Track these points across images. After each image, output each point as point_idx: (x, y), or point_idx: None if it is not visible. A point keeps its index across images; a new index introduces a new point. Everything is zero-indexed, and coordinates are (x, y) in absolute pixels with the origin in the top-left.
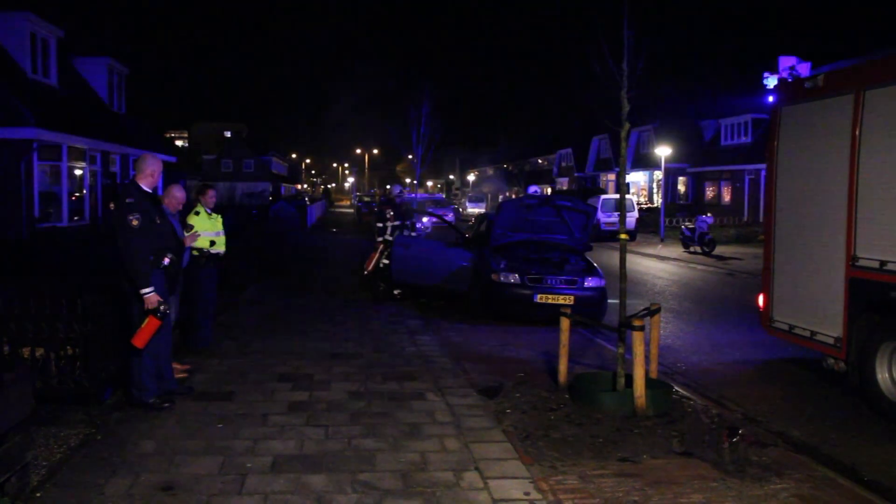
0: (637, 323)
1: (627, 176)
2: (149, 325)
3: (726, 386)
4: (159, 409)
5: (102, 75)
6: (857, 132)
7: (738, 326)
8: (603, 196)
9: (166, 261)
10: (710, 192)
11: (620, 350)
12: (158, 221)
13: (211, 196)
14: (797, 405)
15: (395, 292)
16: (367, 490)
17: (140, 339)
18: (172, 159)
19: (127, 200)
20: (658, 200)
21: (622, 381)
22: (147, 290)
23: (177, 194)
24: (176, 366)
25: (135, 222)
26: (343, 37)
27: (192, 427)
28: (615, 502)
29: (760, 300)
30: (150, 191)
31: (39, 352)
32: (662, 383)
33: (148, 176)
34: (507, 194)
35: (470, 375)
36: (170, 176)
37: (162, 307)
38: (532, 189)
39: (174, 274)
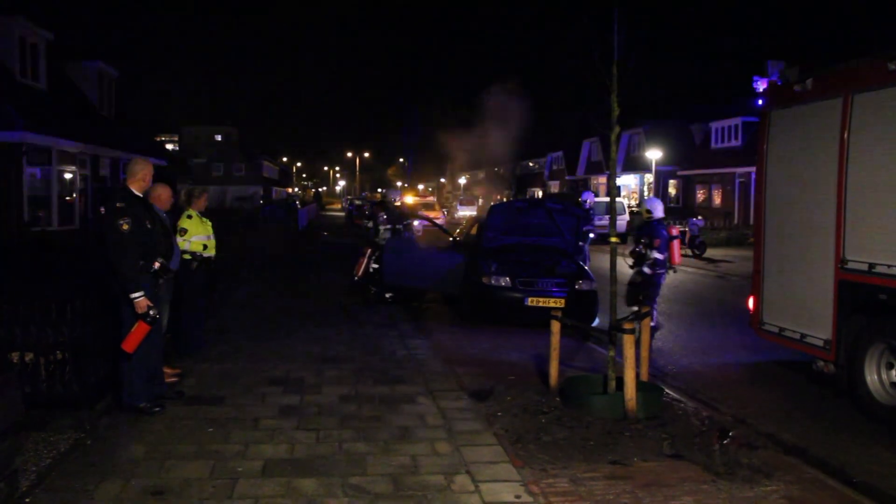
0: (627, 326)
1: (618, 179)
2: (139, 330)
3: (717, 388)
4: (150, 413)
5: (92, 79)
6: (846, 136)
7: (729, 329)
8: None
9: (156, 265)
10: (700, 195)
11: (611, 353)
12: (149, 226)
13: (202, 200)
14: (787, 407)
15: (387, 296)
16: (358, 494)
17: (130, 344)
18: (163, 163)
19: (117, 204)
20: None
21: (613, 383)
22: (137, 294)
23: (161, 193)
24: (167, 370)
25: (125, 226)
26: (335, 40)
27: (183, 431)
28: None
29: (750, 303)
30: (140, 195)
31: (29, 356)
32: (653, 386)
33: (139, 180)
34: (498, 197)
35: (461, 379)
36: (162, 180)
37: (151, 311)
38: (586, 195)
39: (165, 278)
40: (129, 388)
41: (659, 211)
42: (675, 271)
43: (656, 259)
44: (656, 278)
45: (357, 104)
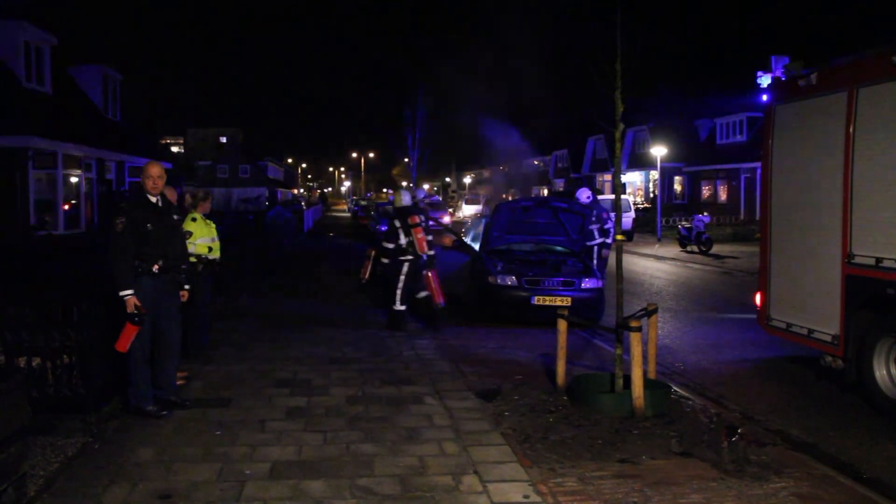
0: (634, 324)
1: (623, 176)
2: (127, 330)
3: (724, 385)
4: (157, 416)
5: (97, 82)
6: (851, 130)
7: (736, 325)
8: (599, 196)
9: (156, 267)
10: (706, 191)
11: (618, 351)
12: (149, 227)
13: (207, 203)
14: (795, 403)
15: None
16: (365, 495)
17: (121, 344)
18: (168, 165)
19: (120, 204)
20: (655, 200)
21: (620, 382)
22: (124, 293)
23: (151, 171)
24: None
25: (119, 226)
26: (339, 41)
27: (190, 434)
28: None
29: (757, 298)
30: (153, 196)
31: (35, 361)
32: (661, 383)
33: (147, 181)
34: (504, 196)
35: (468, 378)
36: (167, 182)
37: (139, 312)
38: (585, 194)
39: (171, 280)
40: (134, 392)
41: (404, 200)
42: (423, 258)
43: (385, 248)
44: (398, 266)
45: (361, 104)
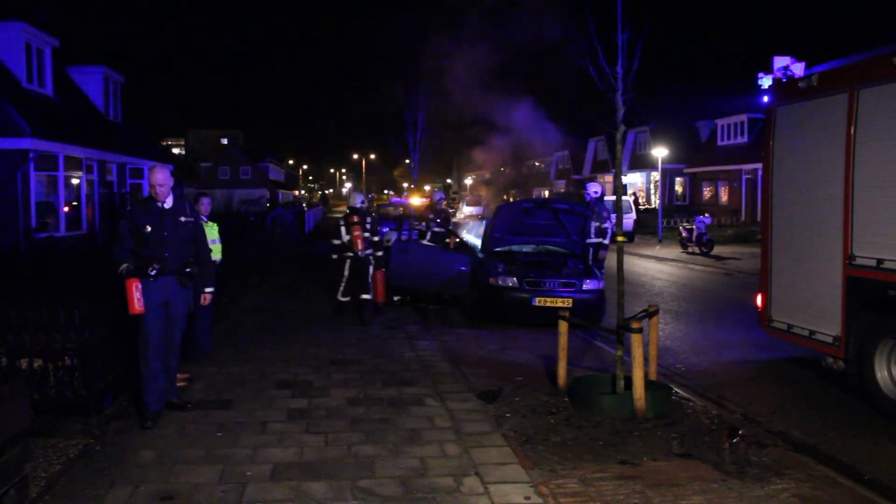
0: (635, 325)
1: (624, 177)
2: (129, 290)
3: (726, 386)
4: (143, 426)
5: (98, 84)
6: (852, 131)
7: (737, 326)
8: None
9: (152, 271)
10: (707, 193)
11: (619, 352)
12: (148, 229)
13: (205, 204)
14: (797, 405)
15: (395, 298)
16: (367, 497)
17: (132, 307)
18: (169, 167)
19: (127, 207)
20: (655, 201)
21: (621, 383)
22: (121, 267)
23: (152, 179)
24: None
25: (120, 226)
26: (339, 42)
27: (192, 436)
28: None
29: (759, 300)
30: (159, 201)
31: (37, 363)
32: (662, 385)
33: (150, 188)
34: (504, 197)
35: (469, 380)
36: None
37: (125, 268)
38: (594, 188)
39: (176, 282)
40: (143, 391)
41: (356, 201)
42: (359, 255)
43: (332, 244)
44: (342, 263)
45: (362, 105)
